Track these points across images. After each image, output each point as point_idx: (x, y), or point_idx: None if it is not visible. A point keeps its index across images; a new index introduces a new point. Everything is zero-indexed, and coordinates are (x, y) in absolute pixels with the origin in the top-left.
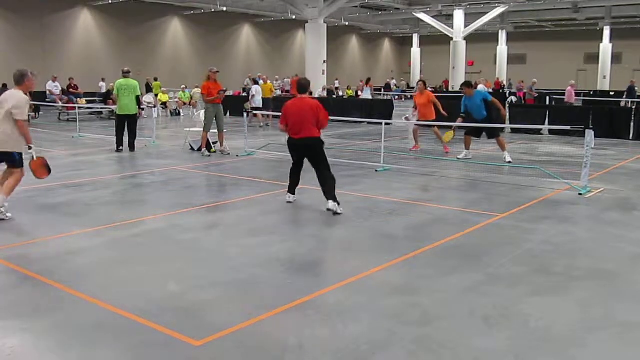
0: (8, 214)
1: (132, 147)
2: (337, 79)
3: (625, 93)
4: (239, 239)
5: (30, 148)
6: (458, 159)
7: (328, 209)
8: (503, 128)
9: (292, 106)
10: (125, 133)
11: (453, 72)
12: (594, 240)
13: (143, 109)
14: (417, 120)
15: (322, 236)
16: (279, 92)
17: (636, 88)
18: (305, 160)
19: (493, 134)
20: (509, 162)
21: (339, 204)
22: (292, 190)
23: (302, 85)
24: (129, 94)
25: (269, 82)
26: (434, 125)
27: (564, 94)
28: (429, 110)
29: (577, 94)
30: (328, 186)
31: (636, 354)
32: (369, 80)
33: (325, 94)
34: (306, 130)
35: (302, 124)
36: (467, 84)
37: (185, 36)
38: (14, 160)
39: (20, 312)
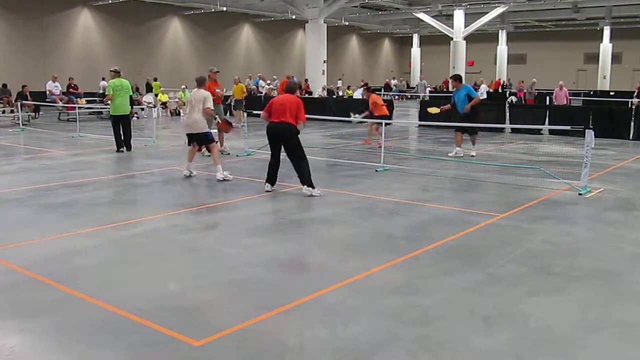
0: (229, 176)
1: (128, 146)
2: (340, 79)
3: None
4: (239, 239)
5: (215, 118)
6: (449, 156)
7: (304, 195)
8: (480, 128)
9: (279, 98)
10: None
11: (453, 72)
12: (594, 240)
13: (143, 109)
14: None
15: (322, 236)
16: (276, 93)
17: None
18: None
19: (471, 132)
20: (472, 156)
21: (314, 187)
22: (270, 181)
23: (291, 87)
24: (124, 94)
25: (240, 82)
26: (380, 123)
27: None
28: (376, 109)
29: (577, 94)
30: (300, 172)
31: (636, 354)
32: (365, 84)
33: (325, 93)
34: (285, 117)
35: (283, 112)
36: (455, 77)
37: (185, 36)
38: (207, 138)
39: (20, 312)
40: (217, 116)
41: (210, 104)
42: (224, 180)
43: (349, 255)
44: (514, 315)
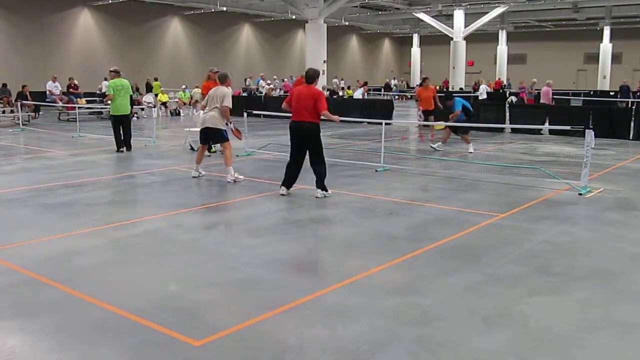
0: (240, 177)
1: (128, 146)
2: (342, 79)
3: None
4: (239, 239)
5: (230, 123)
6: (431, 147)
7: (316, 197)
8: (469, 128)
9: (297, 91)
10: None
11: (453, 72)
12: (594, 240)
13: (143, 109)
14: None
15: (322, 236)
16: (275, 93)
17: None
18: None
19: (461, 131)
20: (471, 152)
21: (327, 190)
22: (286, 184)
23: (310, 76)
24: (124, 93)
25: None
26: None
27: (564, 95)
28: (430, 103)
29: (577, 94)
30: (317, 175)
31: (636, 354)
32: (365, 83)
33: (326, 93)
34: (303, 115)
35: (300, 109)
36: (447, 97)
37: (185, 36)
38: (223, 136)
39: (20, 312)
40: (231, 122)
41: (228, 102)
42: (235, 182)
43: (349, 255)
44: (514, 315)
